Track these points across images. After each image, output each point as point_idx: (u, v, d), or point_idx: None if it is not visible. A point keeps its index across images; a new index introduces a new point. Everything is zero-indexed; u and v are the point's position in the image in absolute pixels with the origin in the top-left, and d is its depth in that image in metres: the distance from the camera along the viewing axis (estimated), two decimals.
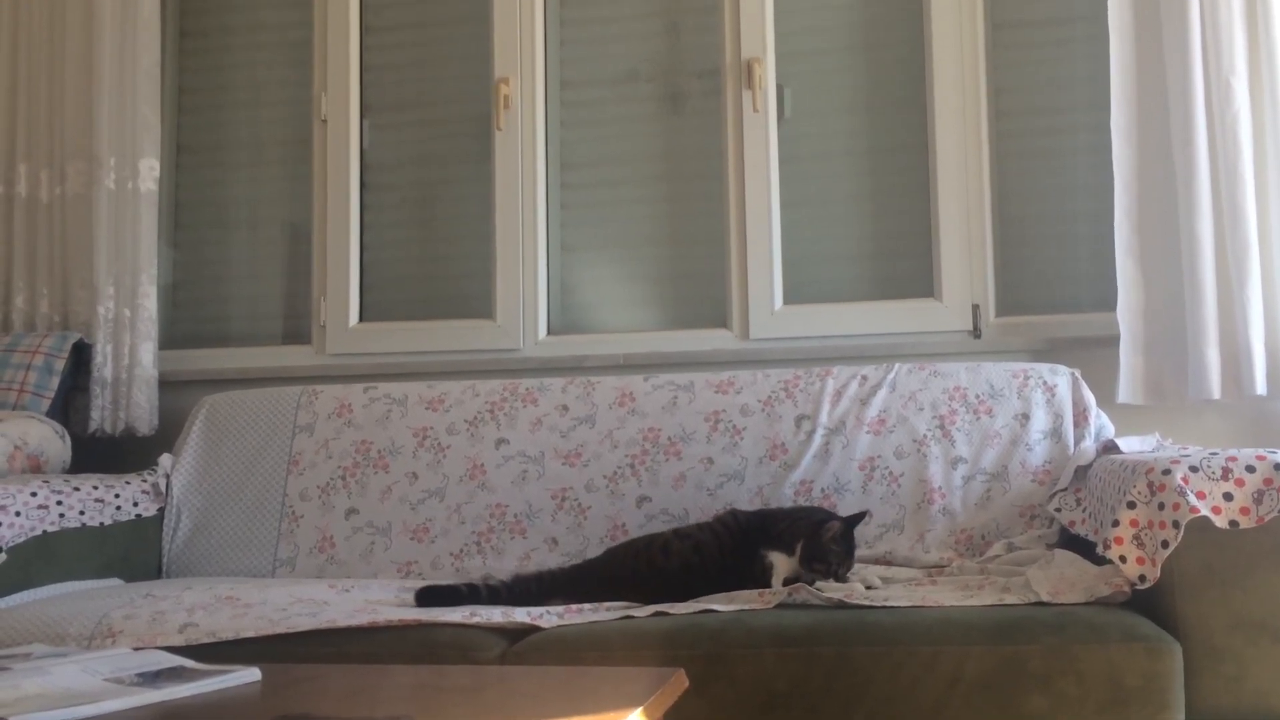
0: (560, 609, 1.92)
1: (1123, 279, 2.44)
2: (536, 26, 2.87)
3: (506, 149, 2.85)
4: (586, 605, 1.94)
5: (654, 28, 2.87)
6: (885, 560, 2.15)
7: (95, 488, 2.28)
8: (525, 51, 2.86)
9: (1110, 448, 2.09)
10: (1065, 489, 2.12)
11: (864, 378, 2.37)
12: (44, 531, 2.12)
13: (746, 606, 1.82)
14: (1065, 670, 1.61)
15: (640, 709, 1.24)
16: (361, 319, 2.91)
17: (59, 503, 2.17)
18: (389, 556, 2.33)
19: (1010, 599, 1.77)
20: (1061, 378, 2.33)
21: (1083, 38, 2.67)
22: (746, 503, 2.28)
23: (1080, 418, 2.29)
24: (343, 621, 1.81)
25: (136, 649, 1.58)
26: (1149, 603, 1.73)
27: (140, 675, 1.39)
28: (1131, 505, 1.73)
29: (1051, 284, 2.67)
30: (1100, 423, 2.31)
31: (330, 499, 2.40)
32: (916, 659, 1.63)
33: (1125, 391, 2.43)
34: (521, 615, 1.85)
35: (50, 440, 2.53)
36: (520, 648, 1.75)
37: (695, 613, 1.80)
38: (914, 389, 2.33)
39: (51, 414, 2.62)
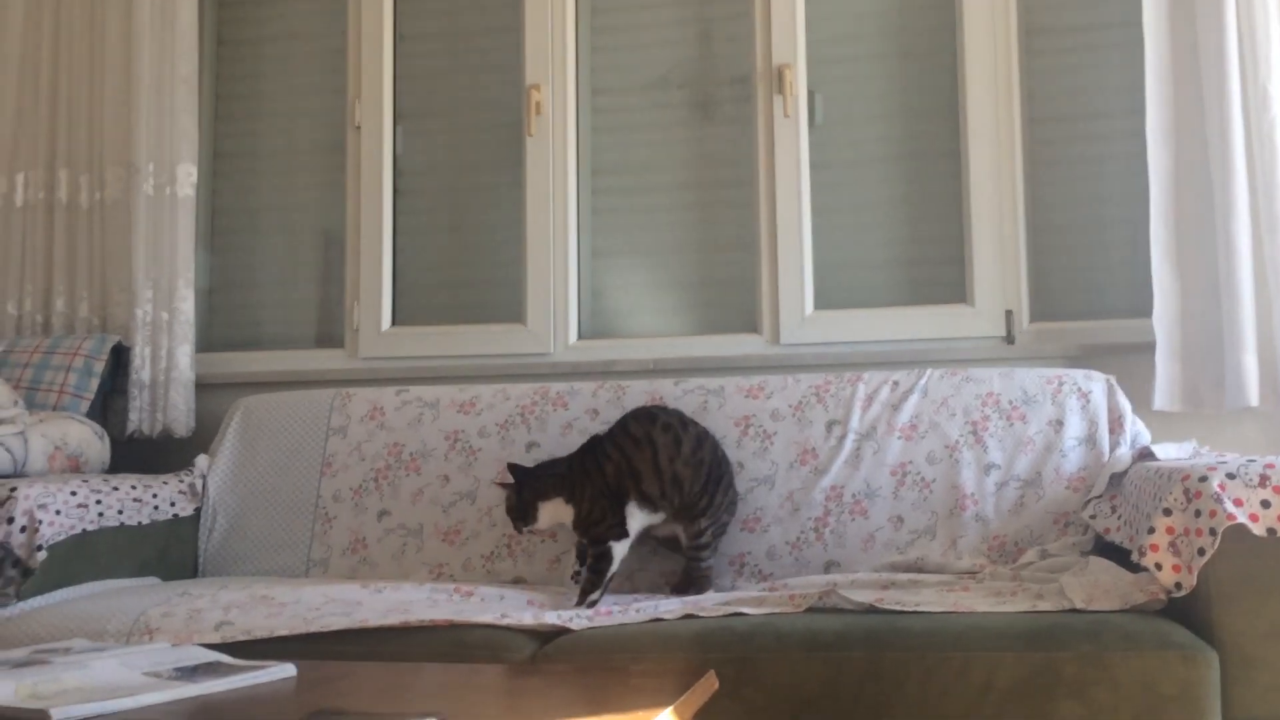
0: (590, 611, 1.92)
1: (1158, 284, 2.42)
2: (568, 33, 2.89)
3: (538, 155, 2.87)
4: (616, 607, 1.95)
5: (685, 34, 2.88)
6: (917, 566, 2.14)
7: (133, 488, 2.31)
8: (557, 58, 2.88)
9: (1146, 454, 2.07)
10: (1100, 496, 2.10)
11: (895, 383, 2.36)
12: (84, 530, 2.15)
13: (777, 610, 1.82)
14: (1100, 678, 1.59)
15: (670, 709, 1.25)
16: (394, 323, 2.94)
17: (98, 502, 2.20)
18: (420, 558, 2.35)
19: (1044, 606, 1.76)
20: (1096, 384, 2.31)
21: (1117, 43, 2.65)
22: (776, 508, 2.27)
23: (1115, 424, 2.27)
24: (375, 621, 1.82)
25: (174, 645, 1.60)
26: (1185, 611, 1.71)
27: (178, 670, 1.40)
28: (1167, 512, 1.71)
29: (1086, 290, 2.65)
30: (1136, 429, 2.29)
31: (363, 500, 2.42)
32: (948, 665, 1.62)
33: (1161, 398, 2.40)
34: (551, 617, 1.86)
35: (89, 441, 2.56)
36: (550, 649, 1.76)
37: (725, 615, 1.80)
38: (946, 394, 2.32)
39: (91, 415, 2.66)
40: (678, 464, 2.11)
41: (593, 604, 2.00)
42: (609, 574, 2.05)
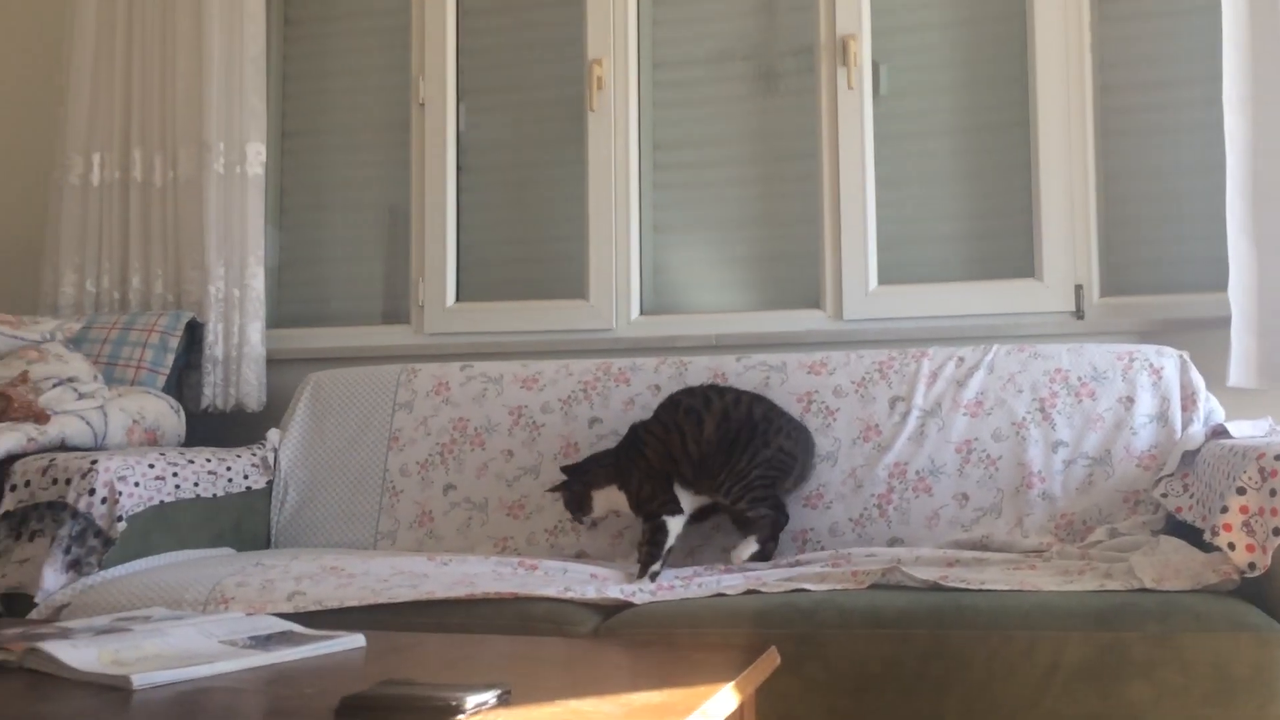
0: (653, 586, 1.94)
1: (1234, 257, 2.36)
2: (630, 7, 2.88)
3: (600, 130, 2.87)
4: (678, 582, 1.96)
5: (748, 6, 2.86)
6: (982, 545, 2.12)
7: (208, 460, 2.38)
8: (618, 32, 2.87)
9: (1220, 432, 2.02)
10: (1172, 474, 2.06)
11: (961, 359, 2.33)
12: (161, 502, 2.21)
13: (839, 586, 1.82)
14: (1169, 659, 1.57)
15: (732, 684, 1.26)
16: (458, 299, 2.97)
17: (175, 474, 2.26)
18: (485, 531, 2.38)
19: (1112, 585, 1.73)
20: (1169, 360, 2.26)
21: (1193, 8, 2.57)
22: (839, 484, 2.26)
23: (1188, 401, 2.22)
24: (441, 593, 1.86)
25: (248, 614, 1.65)
26: (1258, 591, 1.68)
27: (252, 638, 1.45)
28: (1241, 491, 1.68)
29: (1159, 263, 2.59)
30: (1209, 406, 2.24)
31: (429, 475, 2.46)
32: (1014, 644, 1.61)
33: (1236, 374, 2.34)
34: (614, 591, 1.88)
35: (166, 415, 2.64)
36: (613, 622, 1.77)
37: (787, 591, 1.81)
38: (1013, 371, 2.29)
39: (167, 390, 2.74)
40: (702, 445, 2.17)
41: (654, 576, 2.04)
42: (666, 546, 2.11)
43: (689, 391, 2.25)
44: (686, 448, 2.17)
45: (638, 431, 2.24)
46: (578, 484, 2.21)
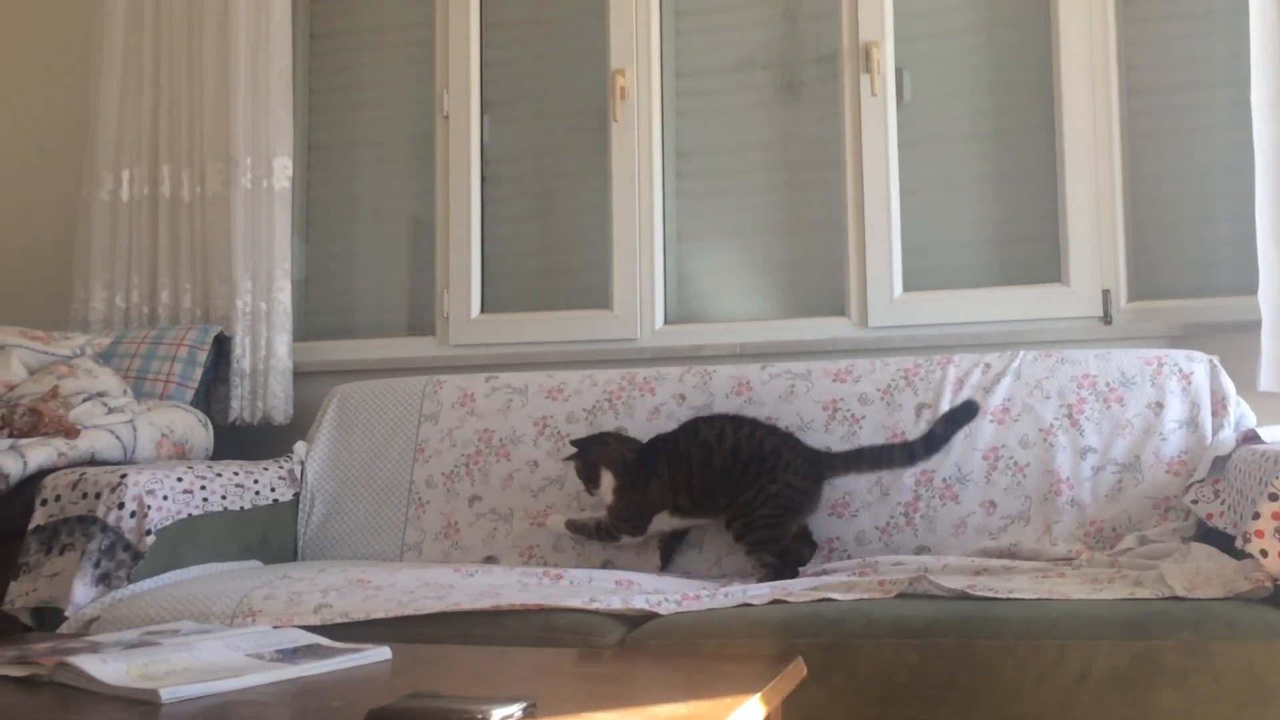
0: (678, 596, 1.93)
1: (1264, 261, 2.33)
2: (652, 17, 2.88)
3: (623, 140, 2.88)
4: (704, 592, 1.95)
5: (770, 14, 2.86)
6: (1010, 553, 2.10)
7: (236, 473, 2.39)
8: (641, 43, 2.88)
9: (1251, 438, 2.00)
10: (1202, 480, 2.04)
11: (987, 365, 2.32)
12: (189, 515, 2.23)
13: (865, 595, 1.81)
14: (1201, 667, 1.55)
15: (758, 695, 1.25)
16: (483, 310, 2.98)
17: (203, 488, 2.28)
18: (510, 542, 2.38)
19: (1143, 593, 1.71)
20: (1198, 364, 2.24)
21: (1220, 9, 2.55)
22: (865, 493, 2.25)
23: (1219, 406, 2.20)
24: (467, 605, 1.86)
25: (275, 627, 1.66)
26: None
27: (279, 651, 1.45)
28: (1273, 497, 1.65)
29: (1188, 267, 2.56)
30: (1240, 411, 2.21)
31: (454, 486, 2.46)
32: (1043, 653, 1.60)
33: (1267, 379, 2.32)
34: (639, 601, 1.87)
35: (194, 428, 2.66)
36: (639, 633, 1.77)
37: (814, 601, 1.80)
38: (1040, 377, 2.27)
39: (195, 403, 2.76)
40: (707, 478, 2.20)
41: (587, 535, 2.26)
42: (604, 544, 2.28)
43: (708, 420, 2.26)
44: (690, 481, 2.20)
45: (656, 448, 2.26)
46: (592, 455, 2.27)
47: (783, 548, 2.15)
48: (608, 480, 2.24)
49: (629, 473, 2.24)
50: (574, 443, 2.30)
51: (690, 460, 2.21)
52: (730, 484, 2.17)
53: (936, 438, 2.17)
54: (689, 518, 2.24)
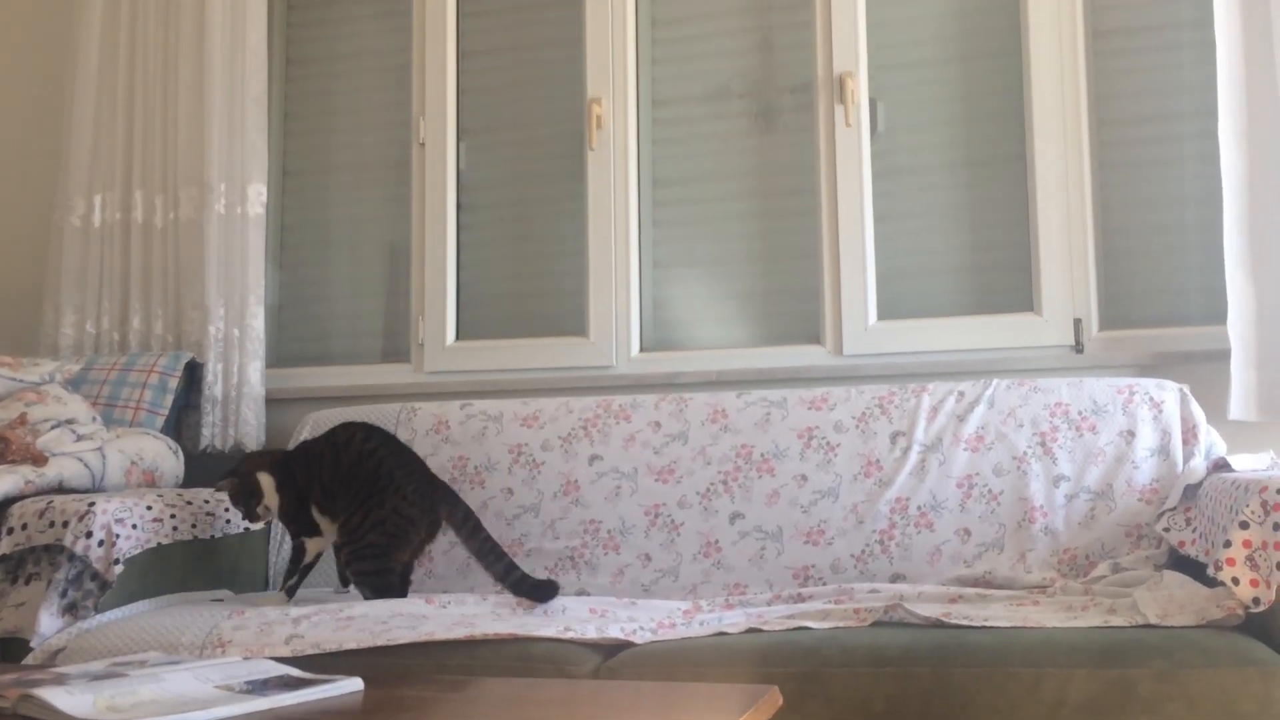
0: (653, 624, 1.92)
1: (1233, 290, 2.36)
2: (629, 46, 2.90)
3: (599, 168, 2.89)
4: (679, 621, 1.95)
5: (746, 44, 2.88)
6: (985, 581, 2.11)
7: (206, 502, 2.37)
8: (617, 71, 2.90)
9: (1222, 465, 2.02)
10: (1174, 508, 2.05)
11: (961, 394, 2.33)
12: (159, 544, 2.20)
13: (841, 624, 1.80)
14: (1175, 695, 1.55)
15: None
16: (458, 337, 2.97)
17: (173, 516, 2.25)
18: (484, 573, 2.36)
19: (1116, 621, 1.72)
20: (1169, 393, 2.26)
21: (1188, 44, 2.59)
22: (840, 520, 2.25)
23: (1189, 435, 2.22)
24: (441, 634, 1.84)
25: (246, 658, 1.63)
26: (1263, 626, 1.67)
27: (249, 683, 1.43)
28: (1244, 525, 1.67)
29: (1158, 296, 2.59)
30: (1210, 440, 2.23)
31: None
32: (1018, 681, 1.60)
33: (1237, 407, 2.34)
34: (614, 630, 1.86)
35: (164, 456, 2.63)
36: (614, 663, 1.76)
37: (789, 629, 1.79)
38: (1013, 405, 2.29)
39: (165, 430, 2.73)
40: (334, 482, 2.19)
41: (291, 591, 2.18)
42: (303, 564, 2.21)
43: (348, 425, 2.24)
44: (322, 476, 2.19)
45: (304, 446, 2.28)
46: (243, 467, 2.22)
47: (387, 583, 2.14)
48: (267, 481, 2.20)
49: (283, 469, 2.22)
50: (225, 474, 2.24)
51: (323, 459, 2.20)
52: (348, 494, 2.16)
53: (537, 586, 2.08)
54: (330, 518, 2.20)
